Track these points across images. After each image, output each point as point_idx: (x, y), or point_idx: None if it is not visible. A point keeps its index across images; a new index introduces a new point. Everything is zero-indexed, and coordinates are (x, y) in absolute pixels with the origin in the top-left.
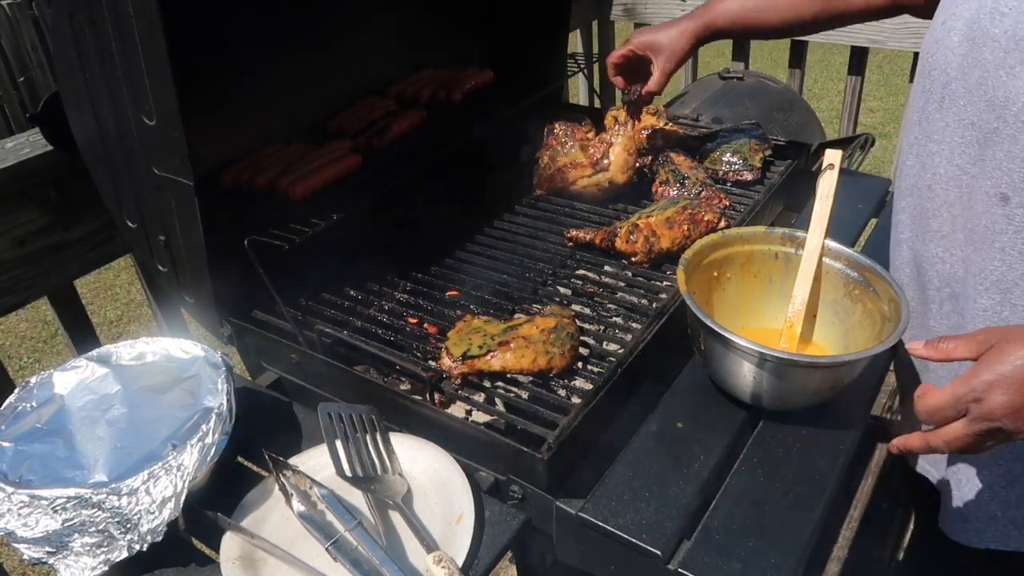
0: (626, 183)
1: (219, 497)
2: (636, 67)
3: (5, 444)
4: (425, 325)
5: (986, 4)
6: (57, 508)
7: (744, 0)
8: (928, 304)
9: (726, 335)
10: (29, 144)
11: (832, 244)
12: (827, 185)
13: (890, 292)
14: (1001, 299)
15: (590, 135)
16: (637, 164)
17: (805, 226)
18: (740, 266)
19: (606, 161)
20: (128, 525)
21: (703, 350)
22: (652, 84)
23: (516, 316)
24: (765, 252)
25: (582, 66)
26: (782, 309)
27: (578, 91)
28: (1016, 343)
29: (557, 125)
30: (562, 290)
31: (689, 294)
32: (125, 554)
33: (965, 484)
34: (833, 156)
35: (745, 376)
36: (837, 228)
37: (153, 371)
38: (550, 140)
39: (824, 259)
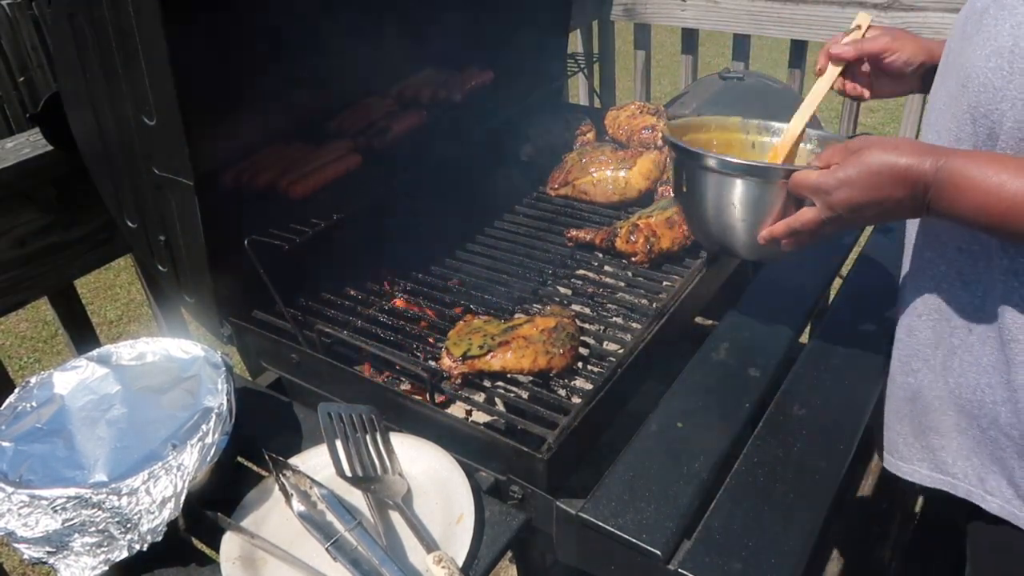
0: (639, 193)
1: (219, 497)
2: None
3: (5, 444)
4: (421, 323)
5: None
6: (57, 508)
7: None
8: (939, 281)
9: (710, 156)
10: (29, 144)
11: (810, 130)
12: (828, 78)
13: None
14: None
15: (590, 135)
16: (658, 188)
17: None
18: (718, 151)
19: (632, 162)
20: (128, 525)
21: (683, 185)
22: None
23: (516, 316)
24: (743, 141)
25: (582, 66)
26: None
27: (578, 91)
28: (870, 151)
29: (590, 143)
30: (562, 290)
31: (674, 137)
32: (125, 554)
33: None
34: (863, 19)
35: (729, 201)
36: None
37: (153, 371)
38: (586, 144)
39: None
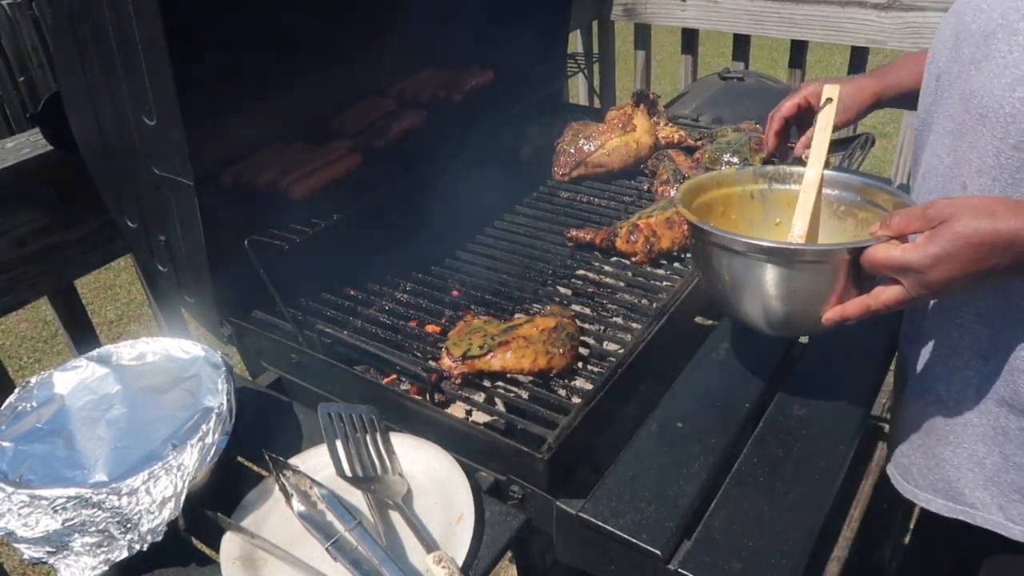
0: (649, 150)
1: (219, 497)
2: (801, 120)
3: (5, 444)
4: (427, 327)
5: (972, 0)
6: (57, 508)
7: (914, 72)
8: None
9: (757, 241)
10: (29, 144)
11: (827, 173)
12: (825, 118)
13: (895, 199)
14: (965, 296)
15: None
16: (658, 188)
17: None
18: (720, 215)
19: (632, 123)
20: (128, 525)
21: (727, 278)
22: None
23: (516, 316)
24: (740, 194)
25: (582, 66)
26: None
27: (578, 91)
28: (963, 219)
29: (575, 123)
30: (562, 290)
31: (704, 221)
32: (125, 554)
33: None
34: (831, 91)
35: (775, 284)
36: None
37: (153, 371)
38: (570, 126)
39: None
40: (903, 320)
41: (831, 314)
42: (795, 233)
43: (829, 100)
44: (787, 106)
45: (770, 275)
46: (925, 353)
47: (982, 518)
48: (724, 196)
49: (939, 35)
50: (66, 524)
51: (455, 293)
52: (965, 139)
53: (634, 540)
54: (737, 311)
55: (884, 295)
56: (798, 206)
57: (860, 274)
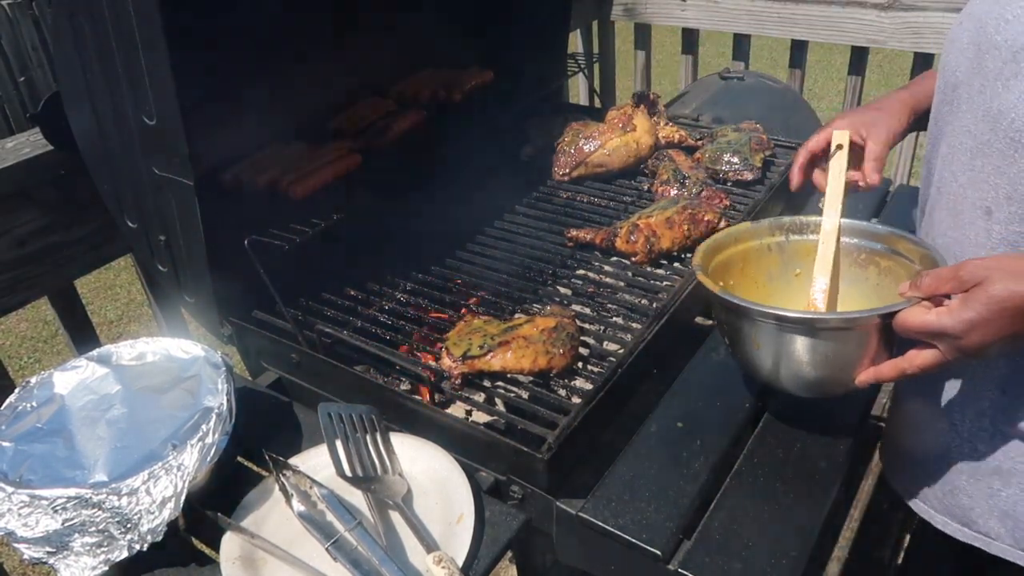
0: (649, 150)
1: (219, 497)
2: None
3: (5, 444)
4: (431, 313)
5: (994, 9)
6: (57, 508)
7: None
8: None
9: (783, 312)
10: (29, 144)
11: (844, 221)
12: (838, 164)
13: (920, 250)
14: None
15: None
16: (658, 188)
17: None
18: (739, 272)
19: (632, 123)
20: (128, 525)
21: (756, 346)
22: (870, 172)
23: (516, 316)
24: (757, 248)
25: (582, 66)
26: (788, 300)
27: (578, 91)
28: (998, 283)
29: (575, 123)
30: (562, 290)
31: (725, 290)
32: (125, 554)
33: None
34: (841, 137)
35: (806, 354)
36: None
37: (153, 371)
38: (570, 126)
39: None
40: None
41: (864, 376)
42: (816, 288)
43: (840, 147)
44: (814, 141)
45: (799, 344)
46: (939, 379)
47: (997, 547)
48: (742, 252)
49: (955, 41)
50: (66, 524)
51: (455, 282)
52: (989, 161)
53: (634, 540)
54: (768, 377)
55: (919, 359)
56: (818, 257)
57: (892, 336)
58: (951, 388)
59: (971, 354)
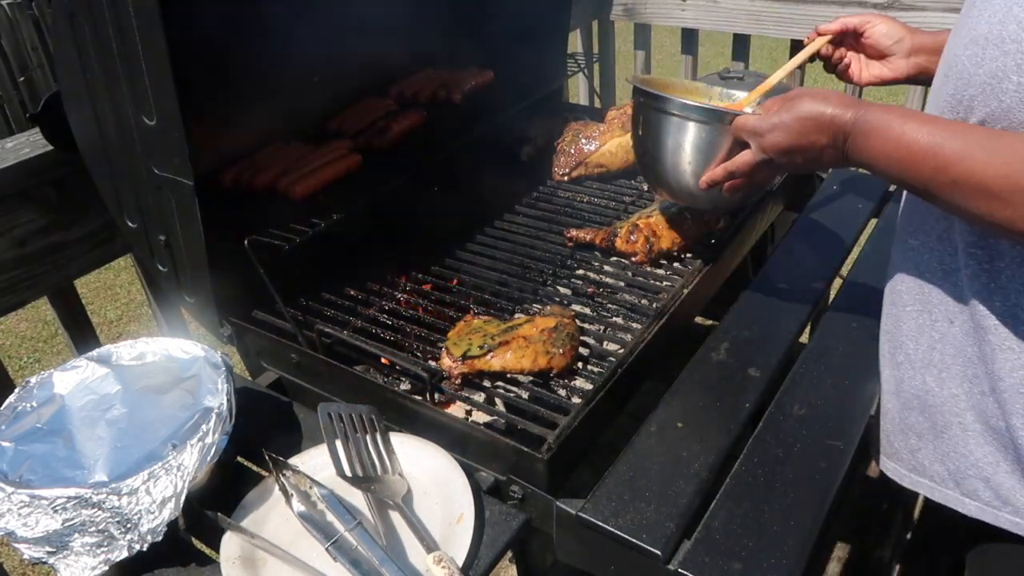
0: None
1: (219, 497)
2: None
3: (5, 444)
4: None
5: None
6: (57, 508)
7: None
8: (923, 271)
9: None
10: (29, 144)
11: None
12: (811, 49)
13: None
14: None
15: None
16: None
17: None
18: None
19: (629, 125)
20: (128, 525)
21: (642, 133)
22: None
23: (516, 316)
24: (704, 99)
25: (582, 66)
26: None
27: (578, 91)
28: (802, 100)
29: (574, 122)
30: (562, 290)
31: (639, 80)
32: (125, 554)
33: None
34: (823, 40)
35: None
36: (837, 227)
37: (153, 371)
38: (570, 126)
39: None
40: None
41: (705, 177)
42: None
43: (821, 35)
44: (853, 21)
45: (668, 126)
46: (900, 311)
47: (941, 494)
48: (688, 96)
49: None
50: (66, 524)
51: (455, 282)
52: (934, 100)
53: (634, 540)
54: (643, 162)
55: (740, 158)
56: (743, 100)
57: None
58: (909, 321)
59: (772, 152)
